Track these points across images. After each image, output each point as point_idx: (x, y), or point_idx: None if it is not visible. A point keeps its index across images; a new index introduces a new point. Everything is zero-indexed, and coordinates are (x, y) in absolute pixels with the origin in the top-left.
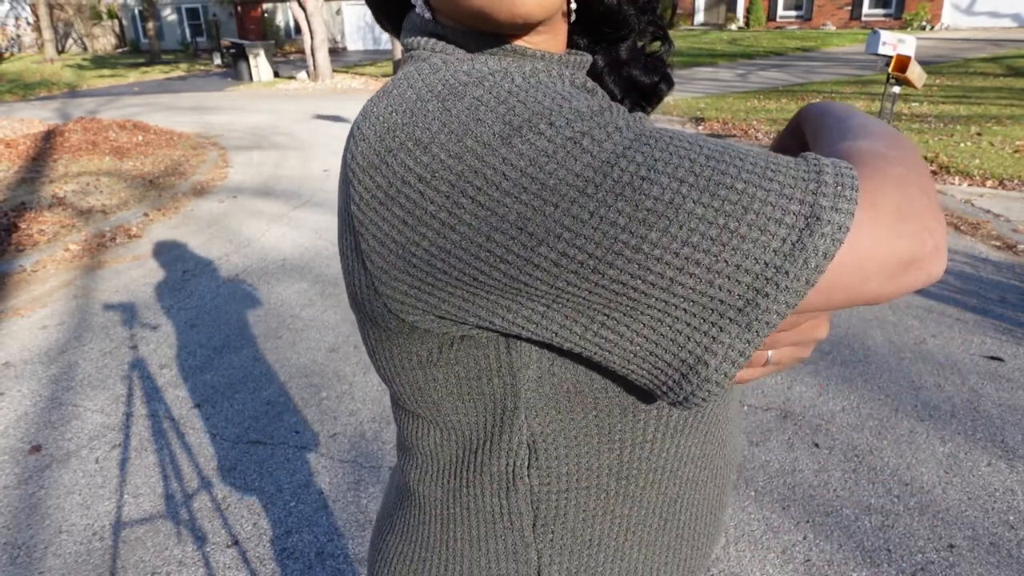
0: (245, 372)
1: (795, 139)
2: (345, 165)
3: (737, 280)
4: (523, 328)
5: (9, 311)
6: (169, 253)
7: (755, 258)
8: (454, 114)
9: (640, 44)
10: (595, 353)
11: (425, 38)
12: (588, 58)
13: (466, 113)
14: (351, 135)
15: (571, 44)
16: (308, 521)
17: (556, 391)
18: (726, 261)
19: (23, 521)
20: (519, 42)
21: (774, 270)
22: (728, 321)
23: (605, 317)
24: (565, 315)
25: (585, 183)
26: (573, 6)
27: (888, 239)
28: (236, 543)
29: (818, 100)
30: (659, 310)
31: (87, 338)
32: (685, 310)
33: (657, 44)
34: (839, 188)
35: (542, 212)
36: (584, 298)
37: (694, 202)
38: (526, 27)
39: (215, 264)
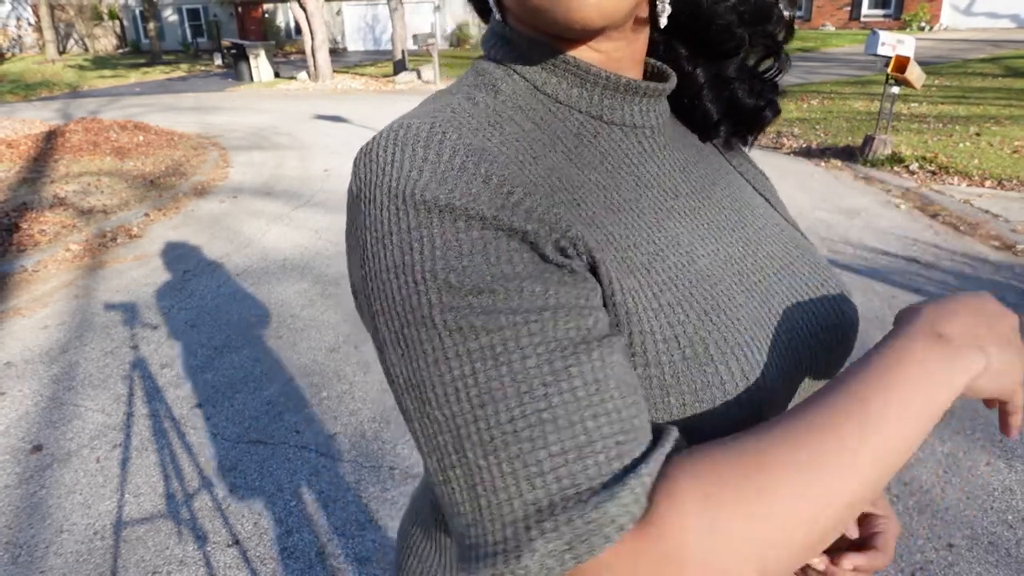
0: (245, 372)
1: None
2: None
3: None
4: None
5: (10, 311)
6: (170, 253)
7: None
8: (383, 224)
9: (751, 62)
10: None
11: (494, 48)
12: (668, 85)
13: (388, 234)
14: (356, 159)
15: (670, 53)
16: (308, 521)
17: None
18: None
19: (24, 520)
20: (581, 54)
21: None
22: None
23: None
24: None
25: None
26: (664, 8)
27: None
28: (237, 543)
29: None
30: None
31: (88, 338)
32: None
33: (769, 61)
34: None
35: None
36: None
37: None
38: (584, 33)
39: (216, 264)
